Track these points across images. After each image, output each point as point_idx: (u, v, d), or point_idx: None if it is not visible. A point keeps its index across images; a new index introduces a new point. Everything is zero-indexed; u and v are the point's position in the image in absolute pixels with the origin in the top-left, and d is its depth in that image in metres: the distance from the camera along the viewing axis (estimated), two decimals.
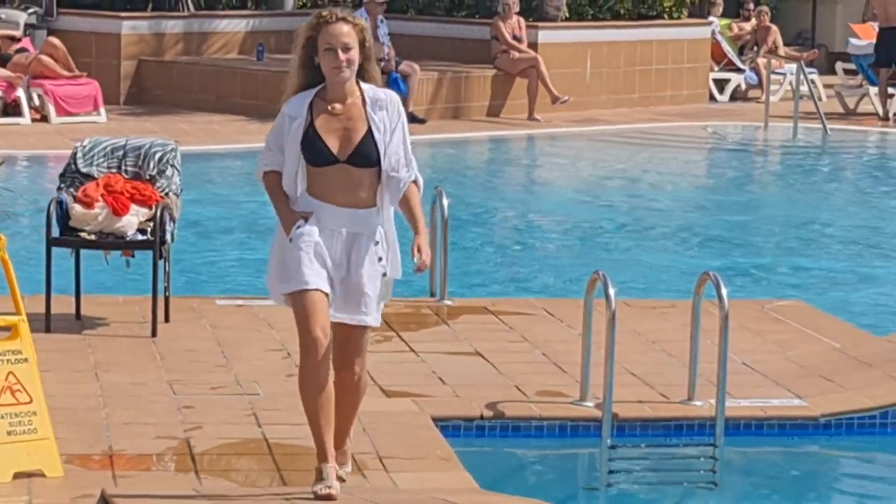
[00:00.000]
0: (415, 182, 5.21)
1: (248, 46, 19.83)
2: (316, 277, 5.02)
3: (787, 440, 7.24)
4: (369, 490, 5.85)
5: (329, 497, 5.02)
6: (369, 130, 5.08)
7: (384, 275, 5.19)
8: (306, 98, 5.18)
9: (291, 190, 5.21)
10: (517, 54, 18.23)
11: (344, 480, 5.26)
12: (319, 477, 5.08)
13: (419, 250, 4.99)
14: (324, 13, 5.15)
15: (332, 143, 5.12)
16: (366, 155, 5.07)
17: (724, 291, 6.69)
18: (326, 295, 5.04)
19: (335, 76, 5.08)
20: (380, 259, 5.14)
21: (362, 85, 5.18)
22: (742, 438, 7.06)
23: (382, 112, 5.15)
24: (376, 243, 5.13)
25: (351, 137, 5.11)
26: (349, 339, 5.19)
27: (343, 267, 5.11)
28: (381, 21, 18.53)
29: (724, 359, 6.69)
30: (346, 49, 5.02)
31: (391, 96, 5.24)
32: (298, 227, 5.09)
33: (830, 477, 7.55)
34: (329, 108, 5.15)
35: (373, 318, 5.17)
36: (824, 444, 7.39)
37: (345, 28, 5.06)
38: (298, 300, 5.00)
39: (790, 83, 18.76)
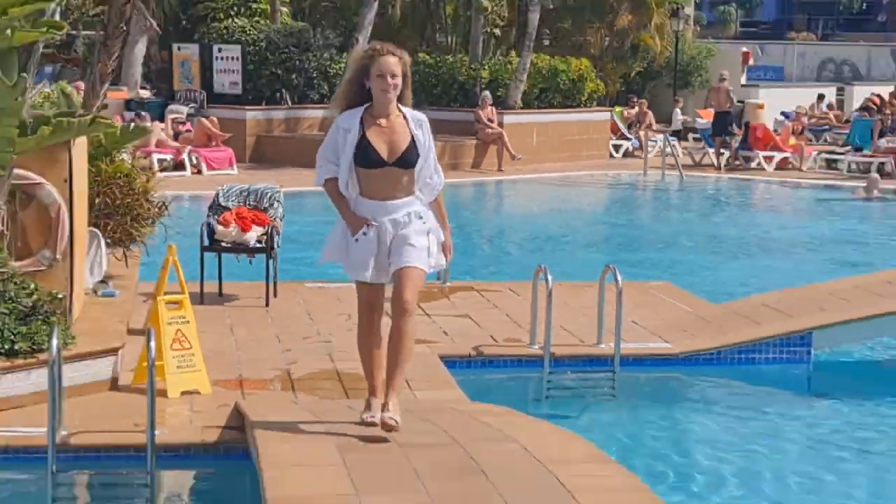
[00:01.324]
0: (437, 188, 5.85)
1: (326, 125, 23.97)
2: (372, 272, 5.33)
3: (659, 368, 8.88)
4: (403, 402, 6.34)
5: (373, 424, 5.39)
6: (413, 141, 5.30)
7: (429, 233, 5.23)
8: (356, 114, 5.32)
9: (345, 191, 5.35)
10: (490, 130, 23.06)
11: (394, 426, 5.27)
12: (367, 407, 5.53)
13: (447, 246, 5.49)
14: (377, 46, 5.38)
15: (381, 149, 5.27)
16: (409, 159, 5.29)
17: (619, 277, 8.18)
18: (377, 287, 5.41)
19: (383, 97, 5.23)
20: (426, 225, 5.20)
21: (401, 107, 5.41)
22: (630, 368, 8.36)
23: (420, 130, 5.35)
24: (420, 217, 5.28)
25: (397, 145, 5.29)
26: (400, 285, 5.30)
27: (394, 243, 5.26)
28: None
29: (620, 319, 8.10)
30: (394, 76, 5.21)
31: (425, 118, 5.50)
32: (364, 233, 5.31)
33: (687, 392, 8.94)
34: (377, 122, 5.33)
35: (417, 262, 5.26)
36: (682, 371, 9.01)
37: (393, 60, 5.22)
38: (360, 286, 5.45)
39: (659, 146, 23.03)
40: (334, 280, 10.79)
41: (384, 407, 5.36)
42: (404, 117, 5.40)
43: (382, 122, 5.31)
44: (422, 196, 5.44)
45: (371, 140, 5.27)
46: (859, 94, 24.45)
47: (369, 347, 5.59)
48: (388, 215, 5.34)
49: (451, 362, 7.95)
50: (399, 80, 5.27)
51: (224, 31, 22.58)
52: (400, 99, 5.38)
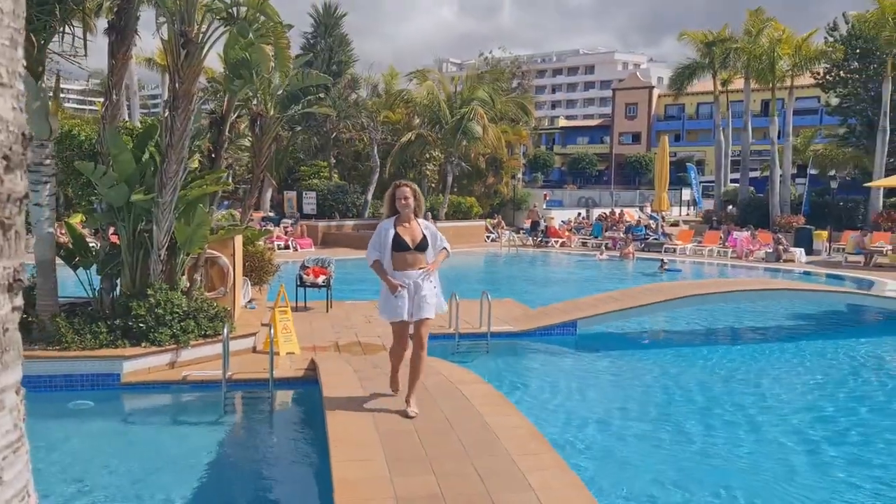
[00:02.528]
0: (446, 249, 6.05)
1: (358, 227, 29.47)
2: (402, 313, 5.86)
3: (507, 338, 11.17)
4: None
5: (413, 416, 5.81)
6: (423, 236, 5.95)
7: (435, 287, 5.93)
8: (391, 220, 5.98)
9: (387, 266, 5.93)
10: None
11: (414, 416, 5.86)
12: (408, 403, 5.98)
13: (429, 265, 5.97)
14: (398, 182, 6.11)
15: (407, 240, 5.92)
16: (422, 246, 5.93)
17: (488, 296, 10.74)
18: (406, 323, 5.92)
19: (403, 211, 5.96)
20: (433, 283, 5.91)
21: (418, 219, 6.03)
22: (495, 338, 10.73)
23: (427, 230, 6.02)
24: (430, 280, 5.90)
25: (416, 238, 5.92)
26: (419, 329, 5.88)
27: (415, 296, 5.87)
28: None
29: (489, 314, 10.67)
30: (406, 198, 5.95)
31: (431, 224, 6.19)
32: (400, 292, 5.85)
33: (521, 349, 10.91)
34: (402, 225, 5.97)
35: (429, 314, 5.86)
36: (518, 339, 11.28)
37: (407, 189, 5.99)
38: (395, 324, 5.99)
39: (507, 237, 29.53)
40: (359, 300, 13.26)
41: (408, 403, 5.92)
42: (418, 223, 5.97)
43: (406, 225, 5.94)
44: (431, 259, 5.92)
45: (401, 234, 5.87)
46: (596, 212, 34.59)
47: (398, 359, 6.19)
48: (412, 279, 5.85)
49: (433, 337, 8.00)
50: (411, 201, 5.90)
51: (307, 185, 30.91)
52: (416, 211, 5.96)
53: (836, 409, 8.79)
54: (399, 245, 5.81)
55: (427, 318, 5.79)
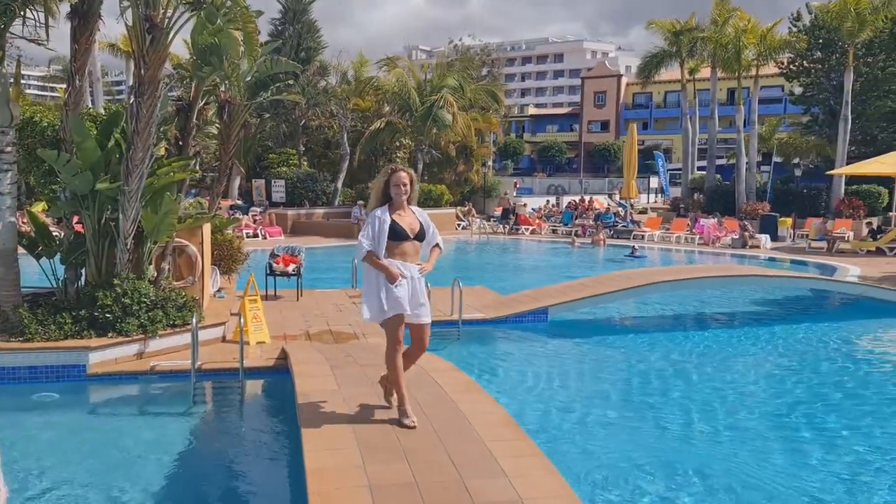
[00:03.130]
0: (438, 245, 5.72)
1: (328, 216, 29.67)
2: (405, 305, 5.47)
3: (478, 325, 11.10)
4: (366, 347, 8.56)
5: (413, 426, 5.46)
6: (421, 225, 5.61)
7: (427, 285, 5.78)
8: (386, 208, 5.55)
9: (382, 256, 5.48)
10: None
11: (415, 426, 5.41)
12: (405, 414, 5.58)
13: (425, 266, 5.64)
14: (394, 167, 5.64)
15: (406, 229, 5.54)
16: (421, 235, 5.61)
17: (460, 283, 10.68)
18: (404, 318, 5.52)
19: (399, 198, 5.54)
20: (427, 284, 5.75)
21: (411, 206, 5.67)
22: (466, 325, 10.70)
23: (423, 218, 5.68)
24: (423, 283, 5.60)
25: (414, 226, 5.57)
26: (421, 333, 5.62)
27: (414, 294, 5.51)
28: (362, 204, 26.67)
29: (461, 302, 10.62)
30: (405, 185, 5.54)
31: (424, 212, 5.77)
32: (400, 282, 5.44)
33: (490, 336, 11.12)
34: (397, 213, 5.57)
35: (429, 318, 5.57)
36: (489, 326, 11.27)
37: (404, 175, 5.56)
38: (393, 320, 5.48)
39: (478, 224, 29.81)
40: (329, 289, 13.29)
41: (406, 412, 5.47)
42: (412, 210, 5.61)
43: (401, 213, 5.54)
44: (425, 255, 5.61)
45: (398, 223, 5.49)
46: (566, 200, 35.26)
47: (397, 363, 5.56)
48: (411, 272, 5.49)
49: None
50: (409, 188, 5.51)
51: (277, 173, 30.74)
52: (409, 199, 5.59)
53: (801, 391, 8.95)
54: (397, 234, 5.46)
55: (427, 324, 5.52)
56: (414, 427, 5.30)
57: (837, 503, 5.73)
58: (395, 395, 5.62)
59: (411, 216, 5.55)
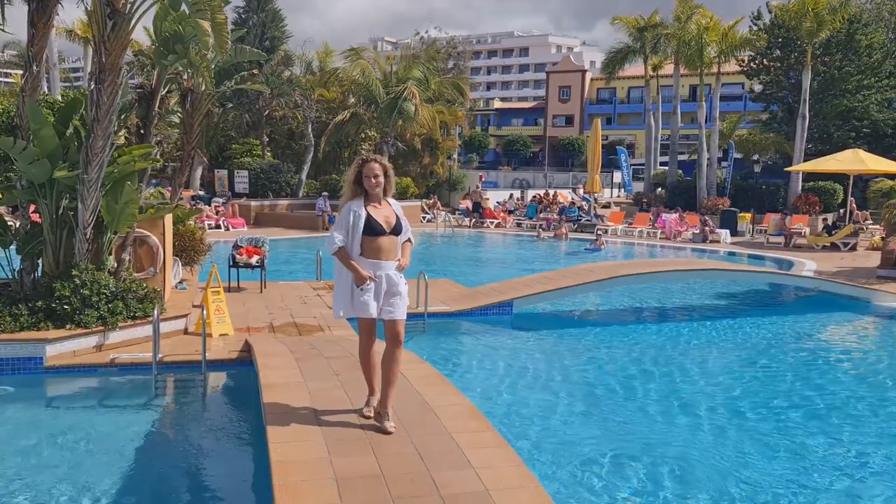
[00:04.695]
0: (409, 240, 5.42)
1: (292, 207, 29.48)
2: (371, 311, 5.18)
3: (443, 318, 11.00)
4: (331, 339, 8.38)
5: (369, 417, 5.37)
6: (398, 218, 5.29)
7: (405, 284, 5.29)
8: (360, 201, 5.23)
9: (353, 255, 5.17)
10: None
11: (392, 431, 5.13)
12: (367, 404, 5.53)
13: (402, 262, 5.31)
14: (365, 156, 5.32)
15: (381, 223, 5.21)
16: (397, 229, 5.27)
17: (426, 276, 10.49)
18: (373, 320, 5.28)
19: (373, 190, 5.23)
20: (403, 279, 5.31)
21: (387, 198, 5.36)
22: (430, 318, 10.64)
23: (398, 211, 5.35)
24: (402, 276, 5.29)
25: (389, 221, 5.24)
26: (394, 328, 5.24)
27: (387, 292, 5.22)
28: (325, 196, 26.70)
29: (427, 295, 10.63)
30: (377, 176, 5.21)
31: (399, 205, 5.43)
32: (368, 286, 5.12)
33: (455, 328, 10.81)
34: (372, 206, 5.25)
35: (404, 314, 5.25)
36: (454, 319, 11.17)
37: (376, 165, 5.23)
38: (362, 321, 5.32)
39: (443, 217, 29.53)
40: (293, 281, 13.23)
41: (384, 417, 5.20)
42: (388, 202, 5.30)
43: (377, 206, 5.24)
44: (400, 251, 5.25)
45: (374, 217, 5.18)
46: (531, 193, 35.26)
47: (370, 361, 5.45)
48: (385, 271, 5.17)
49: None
50: (381, 179, 5.20)
51: (240, 164, 30.34)
52: (386, 191, 5.28)
53: (758, 381, 9.17)
54: (372, 228, 5.12)
55: (402, 320, 5.18)
56: (390, 433, 5.08)
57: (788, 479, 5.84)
58: (376, 397, 5.39)
59: (388, 209, 5.25)
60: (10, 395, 7.55)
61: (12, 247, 9.04)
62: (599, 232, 23.11)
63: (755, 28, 32.32)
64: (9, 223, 9.47)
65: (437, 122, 33.22)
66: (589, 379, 9.03)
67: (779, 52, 32.15)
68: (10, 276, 8.93)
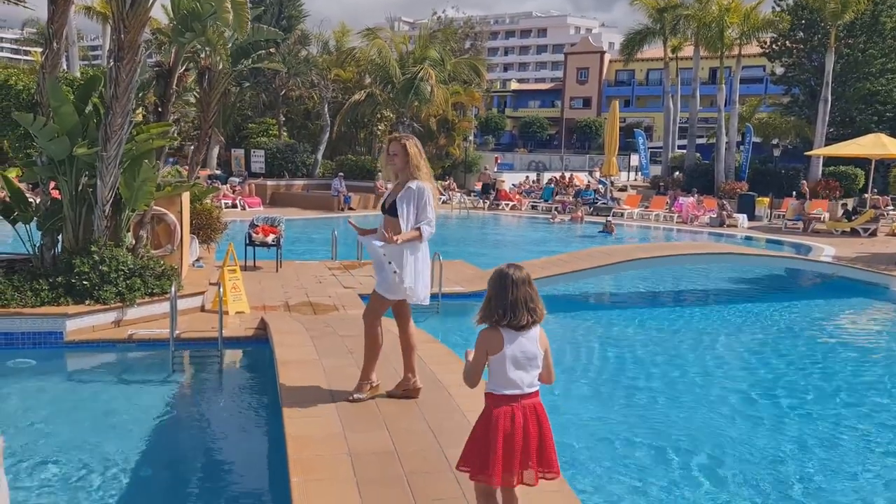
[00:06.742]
0: (419, 229, 5.00)
1: (308, 187, 29.92)
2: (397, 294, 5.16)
3: (458, 299, 10.85)
4: (346, 318, 8.45)
5: (359, 401, 5.31)
6: (395, 200, 5.08)
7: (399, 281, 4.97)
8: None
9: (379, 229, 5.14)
10: (381, 192, 25.48)
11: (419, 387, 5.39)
12: (359, 389, 5.43)
13: (389, 235, 4.97)
14: (391, 134, 5.49)
15: (385, 202, 5.24)
16: (392, 211, 5.08)
17: (440, 258, 10.37)
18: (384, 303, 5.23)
19: (386, 166, 5.56)
20: (395, 271, 5.00)
21: (414, 181, 5.05)
22: (447, 298, 10.57)
23: (412, 193, 5.05)
24: (384, 255, 4.99)
25: (390, 200, 5.17)
26: (400, 307, 5.32)
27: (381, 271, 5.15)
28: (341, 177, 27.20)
29: (441, 276, 10.51)
30: (391, 154, 5.15)
31: (419, 188, 5.03)
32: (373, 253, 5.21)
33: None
34: (392, 183, 5.34)
35: (397, 296, 5.15)
36: (471, 303, 9.21)
37: (394, 144, 5.16)
38: (386, 300, 5.25)
39: (459, 199, 29.70)
40: (308, 261, 13.32)
41: (414, 379, 5.32)
42: (410, 186, 5.04)
43: (391, 184, 5.34)
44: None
45: (389, 194, 5.24)
46: (547, 176, 35.36)
47: (372, 338, 5.29)
48: (374, 249, 5.08)
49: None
50: (396, 158, 5.05)
51: (256, 143, 30.41)
52: (413, 172, 5.05)
53: (775, 365, 9.16)
54: (382, 205, 5.20)
55: (401, 300, 5.09)
56: (420, 387, 5.23)
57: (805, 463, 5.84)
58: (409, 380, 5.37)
59: (398, 189, 5.11)
60: (32, 368, 7.68)
61: (33, 223, 9.11)
62: (609, 218, 22.99)
63: (778, 9, 31.81)
64: (29, 200, 9.61)
65: (450, 103, 33.16)
66: (600, 362, 9.07)
67: (802, 33, 31.67)
68: (32, 252, 9.03)
